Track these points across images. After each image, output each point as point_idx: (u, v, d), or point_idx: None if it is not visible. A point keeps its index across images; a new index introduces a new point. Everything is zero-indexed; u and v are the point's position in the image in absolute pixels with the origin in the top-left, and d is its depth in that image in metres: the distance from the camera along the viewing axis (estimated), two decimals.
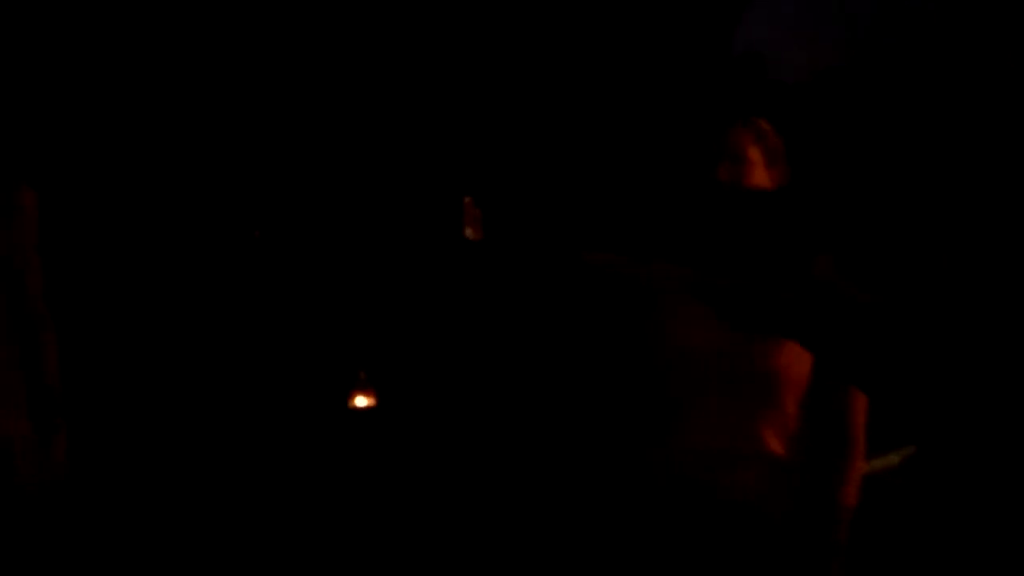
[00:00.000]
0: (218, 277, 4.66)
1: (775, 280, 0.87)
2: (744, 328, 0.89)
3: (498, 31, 4.62)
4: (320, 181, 4.81)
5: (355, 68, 4.72)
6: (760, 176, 1.81)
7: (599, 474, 1.87)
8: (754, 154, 1.82)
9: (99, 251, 4.37)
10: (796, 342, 0.90)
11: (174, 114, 4.54)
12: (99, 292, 4.30)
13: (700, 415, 1.77)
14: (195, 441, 4.21)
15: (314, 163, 4.80)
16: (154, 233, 4.50)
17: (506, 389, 4.19)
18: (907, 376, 0.82)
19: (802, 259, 0.87)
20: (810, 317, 0.85)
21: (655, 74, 4.40)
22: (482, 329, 4.39)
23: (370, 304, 4.72)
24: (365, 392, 4.47)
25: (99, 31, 4.28)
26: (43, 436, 2.33)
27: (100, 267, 4.35)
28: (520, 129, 4.56)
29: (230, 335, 4.60)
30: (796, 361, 1.77)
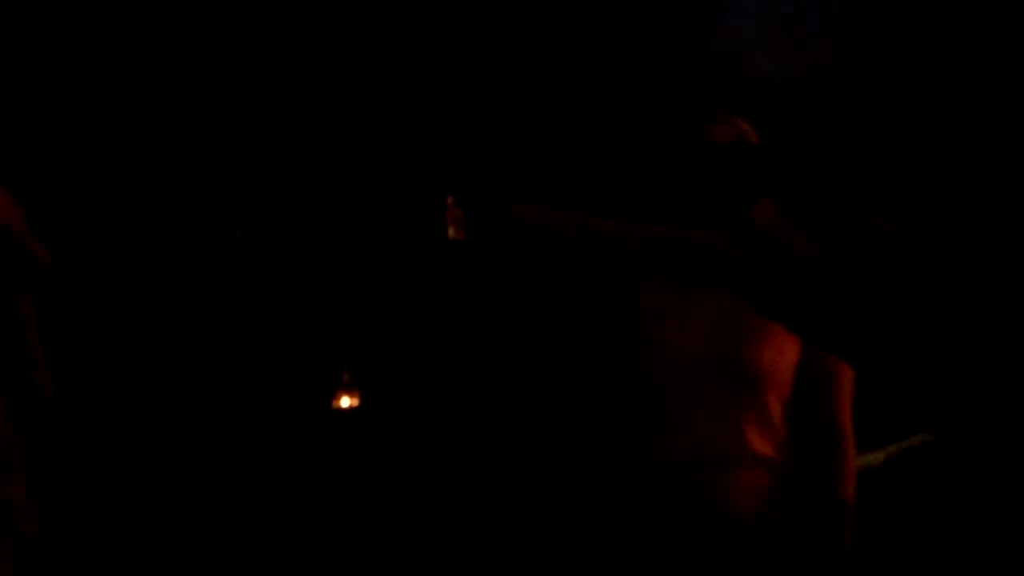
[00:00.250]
0: (200, 277, 4.64)
1: (712, 226, 0.86)
2: (683, 279, 0.89)
3: (478, 30, 4.61)
4: (302, 181, 4.80)
5: (336, 69, 4.71)
6: None
7: (587, 475, 1.87)
8: None
9: (79, 252, 4.33)
10: (729, 289, 0.88)
11: (155, 116, 4.52)
12: (80, 293, 4.26)
13: (685, 416, 1.76)
14: (178, 443, 4.19)
15: (296, 163, 4.78)
16: (135, 234, 4.47)
17: (492, 389, 4.18)
18: (836, 323, 0.81)
19: (742, 204, 0.85)
20: (742, 264, 0.84)
21: (638, 72, 4.40)
22: (467, 329, 4.38)
23: (353, 304, 4.70)
24: (349, 392, 4.46)
25: (78, 34, 4.25)
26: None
27: (81, 268, 4.32)
28: (502, 128, 4.55)
29: (213, 336, 4.58)
30: (780, 360, 1.77)
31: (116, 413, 4.22)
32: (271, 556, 3.61)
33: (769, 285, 0.84)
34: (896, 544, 2.69)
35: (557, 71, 4.53)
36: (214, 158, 4.67)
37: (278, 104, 4.71)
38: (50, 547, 2.69)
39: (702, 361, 1.77)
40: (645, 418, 1.80)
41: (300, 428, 4.37)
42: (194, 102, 4.60)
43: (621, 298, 1.83)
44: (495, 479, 3.87)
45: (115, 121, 4.43)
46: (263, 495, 3.96)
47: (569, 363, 1.91)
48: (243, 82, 4.65)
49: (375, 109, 4.73)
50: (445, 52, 4.64)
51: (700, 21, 4.60)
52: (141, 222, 4.53)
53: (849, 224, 0.84)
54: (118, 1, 4.33)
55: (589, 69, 4.51)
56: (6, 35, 4.04)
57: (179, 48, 4.50)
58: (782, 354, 1.77)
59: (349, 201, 4.77)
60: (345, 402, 4.44)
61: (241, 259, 4.75)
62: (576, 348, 1.92)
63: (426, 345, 4.51)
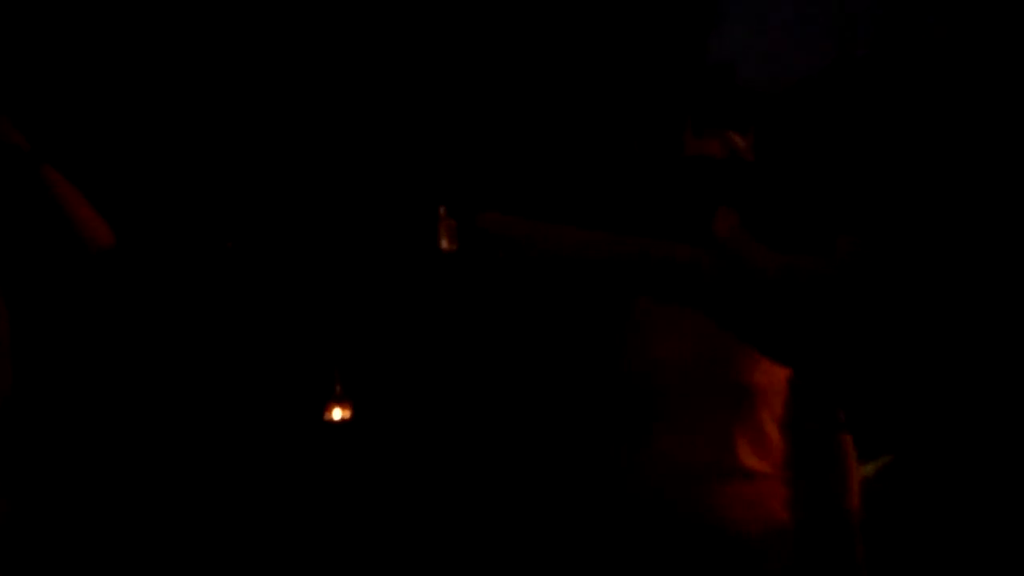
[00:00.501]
0: (191, 289, 4.62)
1: (674, 237, 0.85)
2: (646, 292, 0.88)
3: (468, 38, 4.62)
4: (294, 192, 4.79)
5: (328, 79, 4.70)
6: None
7: (575, 486, 1.86)
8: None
9: (68, 262, 4.31)
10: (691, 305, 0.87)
11: (146, 126, 4.50)
12: (70, 303, 4.25)
13: (676, 428, 1.76)
14: (168, 456, 4.16)
15: (288, 173, 4.77)
16: (126, 244, 4.45)
17: (484, 400, 4.17)
18: (799, 341, 0.80)
19: (703, 216, 0.84)
20: (701, 277, 0.83)
21: (627, 82, 4.41)
22: (459, 340, 4.37)
23: (346, 316, 4.69)
24: (341, 405, 4.44)
25: (61, 42, 4.24)
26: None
27: (70, 278, 4.30)
28: (493, 138, 4.55)
29: (204, 347, 4.56)
30: (773, 374, 1.76)
31: (106, 424, 4.20)
32: (263, 568, 3.59)
33: (727, 299, 0.83)
34: (895, 554, 2.68)
35: (548, 79, 4.54)
36: (205, 170, 4.66)
37: (269, 114, 4.70)
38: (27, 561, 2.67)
39: (693, 374, 1.77)
40: (636, 428, 1.80)
41: (291, 440, 4.35)
42: (186, 114, 4.59)
43: (614, 308, 1.82)
44: (488, 491, 3.85)
45: (105, 129, 4.41)
46: (254, 507, 3.94)
47: (562, 372, 1.90)
48: (234, 90, 4.64)
49: (367, 121, 4.72)
50: (436, 63, 4.64)
51: (692, 30, 4.61)
52: (132, 232, 4.51)
53: (812, 238, 0.83)
54: (94, 20, 4.33)
55: (580, 77, 4.51)
56: None
57: (170, 61, 4.50)
58: (775, 368, 1.76)
59: (341, 212, 4.76)
60: (337, 414, 4.42)
61: (233, 270, 4.74)
62: (569, 358, 1.91)
63: (419, 356, 4.50)
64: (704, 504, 1.74)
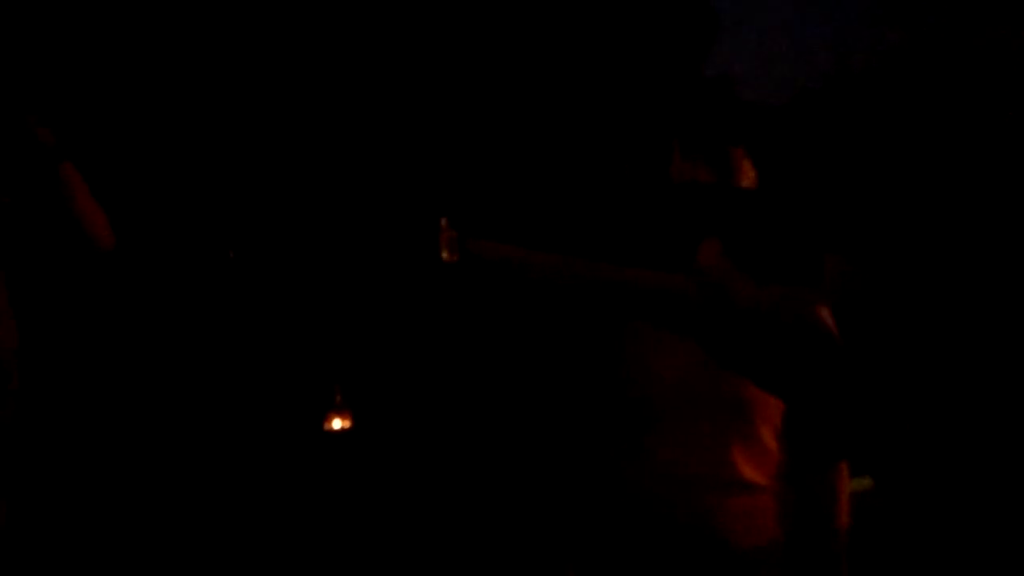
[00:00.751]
0: (191, 298, 4.63)
1: (659, 268, 0.86)
2: (632, 318, 0.89)
3: (470, 52, 4.64)
4: (295, 202, 4.80)
5: (328, 88, 4.72)
6: None
7: (573, 496, 1.87)
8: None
9: (67, 274, 4.32)
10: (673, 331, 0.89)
11: (146, 134, 4.52)
12: (68, 314, 4.25)
13: (674, 440, 1.76)
14: (167, 465, 4.17)
15: (289, 184, 4.79)
16: (127, 253, 4.46)
17: (483, 411, 4.17)
18: (779, 370, 0.81)
19: (688, 247, 0.85)
20: (685, 308, 0.85)
21: (626, 96, 4.42)
22: (459, 350, 4.38)
23: (346, 326, 4.70)
24: (341, 414, 4.44)
25: (59, 49, 4.26)
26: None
27: (69, 289, 4.31)
28: (495, 149, 4.57)
29: (204, 356, 4.57)
30: None
31: (105, 433, 4.20)
32: None
33: (710, 328, 0.84)
34: (885, 569, 2.69)
35: (546, 94, 4.55)
36: (207, 179, 4.67)
37: (273, 124, 4.72)
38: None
39: (691, 387, 1.78)
40: (634, 439, 1.80)
41: (291, 450, 4.35)
42: (188, 123, 4.60)
43: (612, 320, 1.83)
44: (487, 500, 3.86)
45: (105, 138, 4.43)
46: (254, 517, 3.94)
47: (560, 382, 1.91)
48: (238, 100, 4.66)
49: (370, 133, 4.74)
50: (434, 75, 4.66)
51: (691, 43, 4.63)
52: (132, 241, 4.52)
53: (795, 267, 0.84)
54: (86, 32, 4.34)
55: (579, 91, 4.53)
56: None
57: (170, 70, 4.52)
58: None
59: (343, 222, 4.77)
60: (337, 424, 4.43)
61: (234, 280, 4.75)
62: (567, 368, 1.92)
63: (419, 367, 4.51)
64: (701, 515, 1.74)
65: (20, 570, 2.58)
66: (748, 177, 1.86)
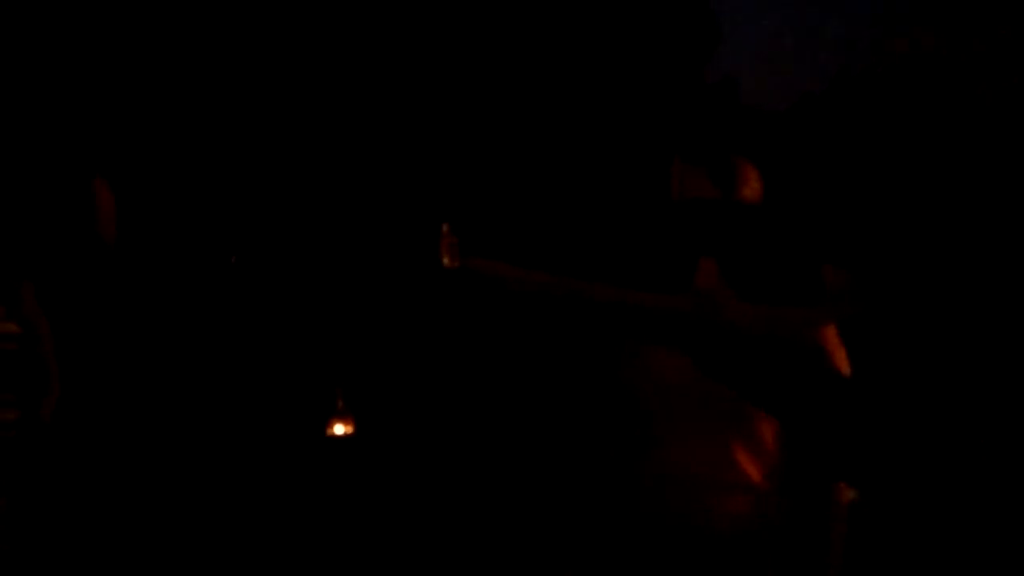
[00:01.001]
0: (194, 303, 4.64)
1: (657, 288, 0.87)
2: (630, 337, 0.90)
3: (474, 57, 4.64)
4: (297, 208, 4.81)
5: (329, 93, 4.73)
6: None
7: (578, 501, 1.87)
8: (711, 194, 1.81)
9: (74, 278, 4.33)
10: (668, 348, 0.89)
11: (149, 140, 4.53)
12: (72, 318, 4.26)
13: (676, 443, 1.76)
14: (169, 470, 4.17)
15: (291, 189, 4.79)
16: (128, 259, 4.47)
17: (484, 417, 4.18)
18: (774, 387, 0.81)
19: (686, 267, 0.86)
20: (681, 330, 0.85)
21: (631, 102, 4.43)
22: (460, 356, 4.38)
23: (348, 331, 4.70)
24: (343, 420, 4.44)
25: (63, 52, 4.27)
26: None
27: (74, 294, 4.31)
28: (497, 155, 4.57)
29: (206, 362, 4.57)
30: None
31: (109, 436, 4.20)
32: None
33: (704, 348, 0.85)
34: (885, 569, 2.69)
35: (550, 99, 4.56)
36: (209, 185, 4.68)
37: (276, 131, 4.73)
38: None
39: (692, 388, 1.78)
40: (636, 441, 1.80)
41: (294, 454, 4.35)
42: (191, 130, 4.61)
43: (608, 337, 1.83)
44: (489, 502, 3.86)
45: (106, 140, 4.44)
46: (256, 522, 3.94)
47: (561, 389, 1.91)
48: (239, 107, 4.67)
49: (372, 140, 4.75)
50: (437, 83, 4.66)
51: (694, 49, 4.64)
52: (134, 247, 4.53)
53: (795, 282, 0.84)
54: (85, 36, 4.36)
55: (584, 97, 4.54)
56: None
57: (174, 75, 4.52)
58: None
59: (345, 228, 4.78)
60: (339, 429, 4.43)
61: (237, 285, 4.75)
62: (569, 370, 1.92)
63: (421, 372, 4.51)
64: (702, 515, 1.74)
65: (20, 570, 2.58)
66: (752, 187, 1.86)
